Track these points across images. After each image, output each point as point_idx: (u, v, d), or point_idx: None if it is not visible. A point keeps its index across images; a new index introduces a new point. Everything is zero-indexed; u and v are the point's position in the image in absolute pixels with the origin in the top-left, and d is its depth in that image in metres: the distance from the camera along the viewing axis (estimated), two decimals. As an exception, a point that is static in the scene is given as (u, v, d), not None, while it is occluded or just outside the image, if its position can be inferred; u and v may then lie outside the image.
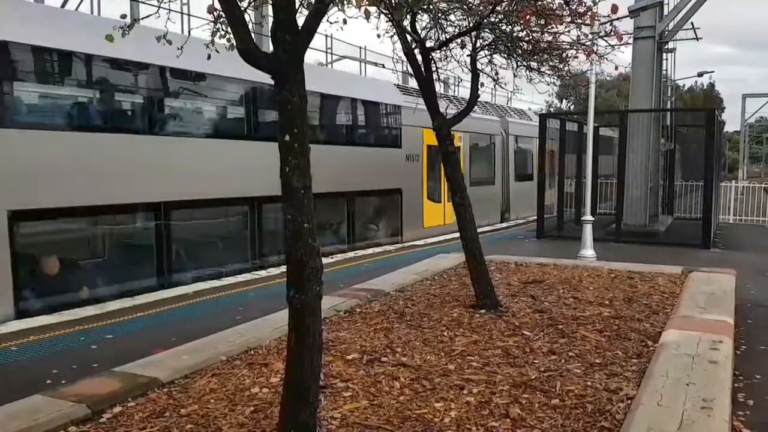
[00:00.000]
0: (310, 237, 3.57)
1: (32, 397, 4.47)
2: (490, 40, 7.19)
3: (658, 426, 3.93)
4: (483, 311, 6.93)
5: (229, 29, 3.99)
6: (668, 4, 17.01)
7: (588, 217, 12.41)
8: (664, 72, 19.61)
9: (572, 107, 49.53)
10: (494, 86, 7.93)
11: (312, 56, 36.23)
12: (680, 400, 4.34)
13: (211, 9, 4.29)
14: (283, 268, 4.53)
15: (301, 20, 3.57)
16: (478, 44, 7.15)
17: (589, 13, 6.05)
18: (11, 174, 8.03)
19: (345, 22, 4.25)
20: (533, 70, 7.58)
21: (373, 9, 4.76)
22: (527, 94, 54.88)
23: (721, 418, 4.11)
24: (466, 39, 7.09)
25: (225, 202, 11.39)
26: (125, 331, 7.00)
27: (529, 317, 6.73)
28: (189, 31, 6.36)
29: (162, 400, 4.50)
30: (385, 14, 6.01)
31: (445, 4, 6.77)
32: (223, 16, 3.92)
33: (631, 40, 14.47)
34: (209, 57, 4.45)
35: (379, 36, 6.56)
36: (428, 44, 7.12)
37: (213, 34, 4.35)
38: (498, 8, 6.34)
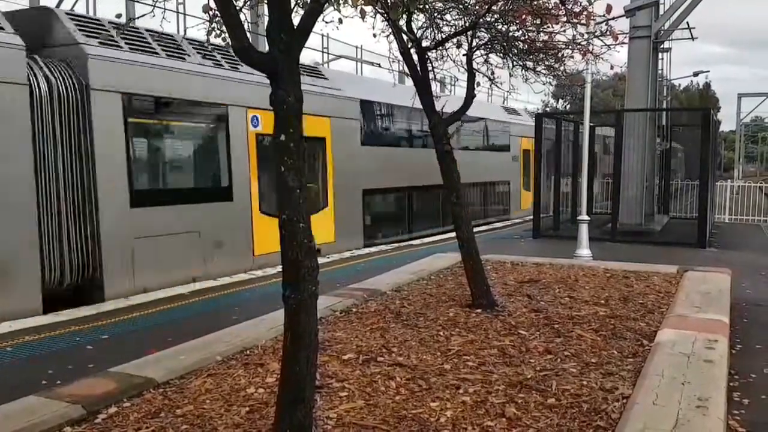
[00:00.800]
0: (305, 237, 3.57)
1: (27, 398, 4.45)
2: (485, 40, 7.20)
3: (654, 425, 3.94)
4: (479, 311, 6.93)
5: (224, 28, 3.99)
6: (664, 3, 17.07)
7: (584, 216, 12.42)
8: (659, 71, 19.70)
9: (568, 107, 49.57)
10: (490, 86, 7.96)
11: (308, 56, 36.26)
12: (675, 399, 4.35)
13: (206, 8, 4.28)
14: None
15: (296, 20, 3.57)
16: (474, 44, 7.15)
17: (585, 13, 6.05)
18: (363, 171, 14.62)
19: (341, 21, 4.25)
20: (529, 69, 7.59)
21: (368, 8, 4.76)
22: (523, 94, 54.99)
23: (717, 417, 4.11)
24: (462, 38, 7.09)
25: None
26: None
27: (525, 317, 6.74)
28: (185, 31, 6.33)
29: (157, 400, 4.49)
30: (381, 14, 6.01)
31: (441, 4, 6.78)
32: (219, 15, 3.92)
33: (626, 40, 14.46)
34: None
35: (375, 35, 6.57)
36: (424, 44, 7.12)
37: (208, 34, 4.35)
38: (494, 8, 6.35)
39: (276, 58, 3.48)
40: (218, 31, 4.29)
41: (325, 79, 13.90)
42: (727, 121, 65.60)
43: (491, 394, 4.57)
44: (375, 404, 4.38)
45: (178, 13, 13.79)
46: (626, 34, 14.25)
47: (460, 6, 6.69)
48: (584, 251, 12.00)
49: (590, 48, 6.80)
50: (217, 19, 4.21)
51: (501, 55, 7.44)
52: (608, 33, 6.54)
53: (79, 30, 8.75)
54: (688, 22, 18.99)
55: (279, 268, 11.91)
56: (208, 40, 4.39)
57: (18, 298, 7.69)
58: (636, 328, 6.35)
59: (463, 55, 7.29)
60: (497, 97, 24.33)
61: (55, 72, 8.32)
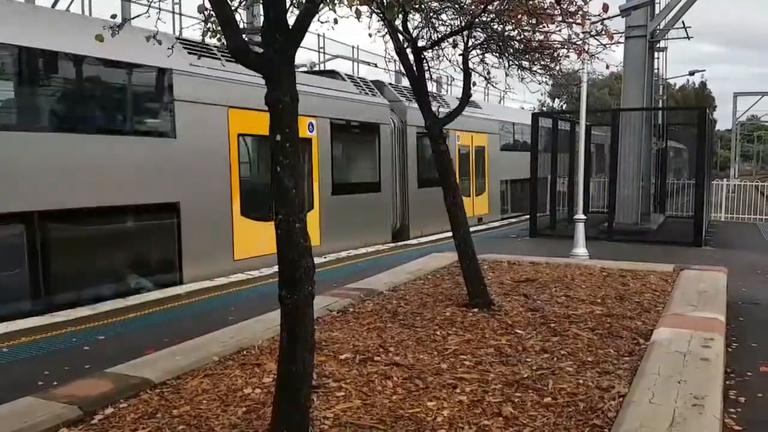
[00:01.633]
0: (302, 237, 3.57)
1: (23, 399, 4.45)
2: (481, 40, 7.20)
3: (650, 423, 3.95)
4: (476, 310, 6.94)
5: (219, 28, 3.98)
6: (659, 3, 17.09)
7: (580, 215, 12.45)
8: (655, 71, 19.69)
9: (564, 106, 49.66)
10: (486, 85, 7.97)
11: (304, 56, 36.20)
12: (672, 397, 4.36)
13: (201, 8, 4.28)
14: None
15: (291, 20, 3.57)
16: (469, 43, 7.16)
17: (580, 13, 6.06)
18: (500, 167, 21.23)
19: (336, 21, 4.23)
20: (525, 69, 7.60)
21: (364, 8, 4.75)
22: (519, 93, 55.06)
23: (713, 416, 4.12)
24: (458, 38, 7.09)
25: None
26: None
27: (522, 316, 6.75)
28: (180, 31, 6.33)
29: (154, 401, 4.49)
30: (377, 13, 6.00)
31: (436, 4, 6.78)
32: (214, 15, 3.91)
33: (622, 39, 14.54)
34: None
35: (370, 35, 6.57)
36: (420, 43, 7.12)
37: (203, 34, 4.34)
38: (489, 7, 6.35)
39: (272, 58, 3.49)
40: (213, 32, 4.29)
41: (481, 108, 20.35)
42: (723, 119, 65.91)
43: (488, 393, 4.58)
44: (372, 404, 4.39)
45: (173, 13, 13.78)
46: (622, 33, 14.34)
47: (456, 6, 6.70)
48: (581, 250, 12.03)
49: (586, 47, 6.81)
50: (212, 19, 4.20)
51: (497, 54, 7.45)
52: (604, 32, 6.55)
53: (398, 93, 16.71)
54: (683, 22, 19.02)
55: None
56: (203, 40, 4.38)
57: (385, 234, 15.63)
58: (632, 326, 6.36)
59: (459, 54, 7.29)
60: (493, 96, 24.48)
61: (394, 117, 16.16)
